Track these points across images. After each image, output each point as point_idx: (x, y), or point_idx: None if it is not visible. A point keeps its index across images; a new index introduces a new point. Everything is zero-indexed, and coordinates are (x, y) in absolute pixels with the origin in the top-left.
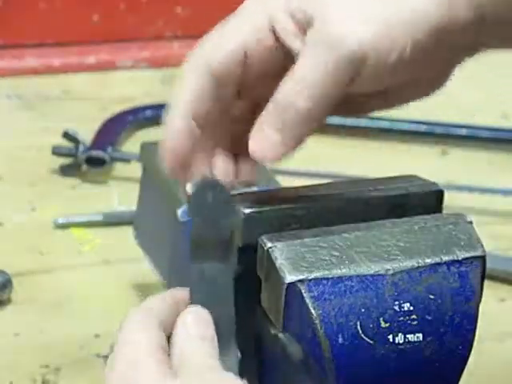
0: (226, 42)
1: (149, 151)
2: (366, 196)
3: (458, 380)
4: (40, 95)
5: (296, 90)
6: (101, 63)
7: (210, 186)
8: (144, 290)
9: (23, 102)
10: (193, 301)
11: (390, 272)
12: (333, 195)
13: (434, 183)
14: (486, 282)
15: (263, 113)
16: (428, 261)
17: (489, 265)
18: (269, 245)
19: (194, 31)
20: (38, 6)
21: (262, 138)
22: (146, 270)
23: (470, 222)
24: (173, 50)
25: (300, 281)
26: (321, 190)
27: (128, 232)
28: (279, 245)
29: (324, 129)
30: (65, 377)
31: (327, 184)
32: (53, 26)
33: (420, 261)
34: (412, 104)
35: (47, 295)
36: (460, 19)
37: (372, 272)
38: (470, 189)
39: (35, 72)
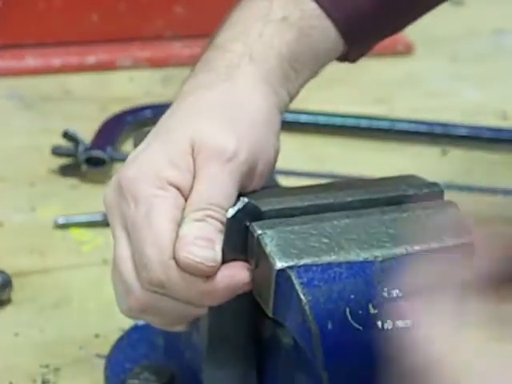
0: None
1: (142, 138)
2: (366, 196)
3: None
4: (40, 95)
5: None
6: (101, 63)
7: (248, 212)
8: None
9: (23, 102)
10: None
11: (379, 259)
12: (333, 195)
13: (434, 183)
14: None
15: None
16: (417, 248)
17: None
18: (259, 231)
19: (194, 31)
20: (38, 6)
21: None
22: None
23: (458, 210)
24: (173, 49)
25: (290, 267)
26: (321, 190)
27: None
28: (269, 231)
29: (325, 129)
30: (65, 377)
31: (327, 184)
32: (53, 26)
33: (409, 248)
34: (412, 104)
35: (47, 295)
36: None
37: (361, 259)
38: (470, 189)
39: (35, 72)
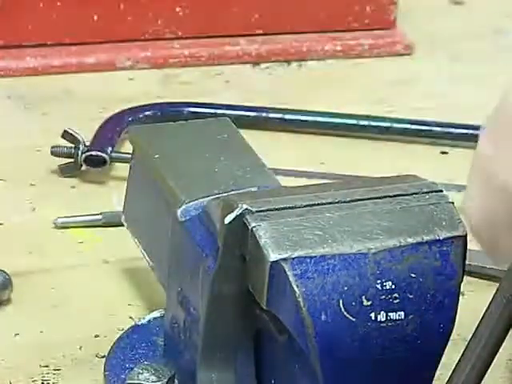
0: None
1: (138, 134)
2: (366, 196)
3: (440, 358)
4: (40, 95)
5: None
6: (101, 63)
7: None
8: (144, 290)
9: (23, 101)
10: None
11: (373, 251)
12: (333, 195)
13: (433, 183)
14: (486, 282)
15: None
16: (410, 240)
17: (489, 264)
18: (253, 224)
19: (194, 31)
20: (38, 6)
21: None
22: (146, 269)
23: (452, 202)
24: (173, 50)
25: (283, 259)
26: (321, 190)
27: (128, 232)
28: (263, 224)
29: (325, 129)
30: (65, 377)
31: (327, 184)
32: (53, 25)
33: (402, 240)
34: (412, 104)
35: (47, 295)
36: None
37: (354, 251)
38: None
39: (35, 72)
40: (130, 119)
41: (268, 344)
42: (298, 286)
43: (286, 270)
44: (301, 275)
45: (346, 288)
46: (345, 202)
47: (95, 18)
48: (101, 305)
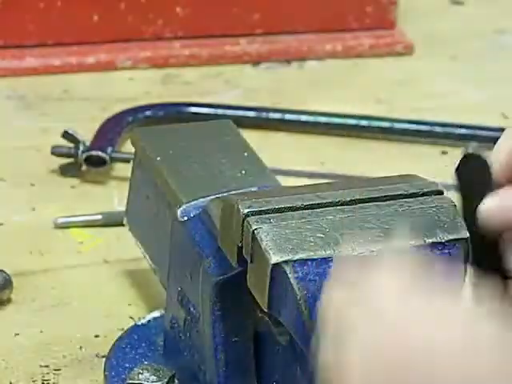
0: None
1: (140, 136)
2: (366, 196)
3: None
4: (40, 95)
5: None
6: (101, 63)
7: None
8: (144, 290)
9: (23, 102)
10: None
11: (374, 254)
12: (333, 195)
13: (434, 183)
14: None
15: None
16: (412, 243)
17: None
18: (254, 226)
19: (194, 31)
20: (38, 6)
21: None
22: (146, 269)
23: (454, 205)
24: (173, 50)
25: (285, 262)
26: (321, 190)
27: (128, 232)
28: (265, 226)
29: (325, 129)
30: (65, 377)
31: (327, 184)
32: (53, 25)
33: (404, 243)
34: (412, 104)
35: (47, 295)
36: None
37: (356, 254)
38: None
39: (35, 72)
40: (130, 119)
41: (269, 346)
42: (299, 289)
43: (288, 272)
44: (302, 278)
45: None
46: (346, 202)
47: (95, 18)
48: (101, 305)
